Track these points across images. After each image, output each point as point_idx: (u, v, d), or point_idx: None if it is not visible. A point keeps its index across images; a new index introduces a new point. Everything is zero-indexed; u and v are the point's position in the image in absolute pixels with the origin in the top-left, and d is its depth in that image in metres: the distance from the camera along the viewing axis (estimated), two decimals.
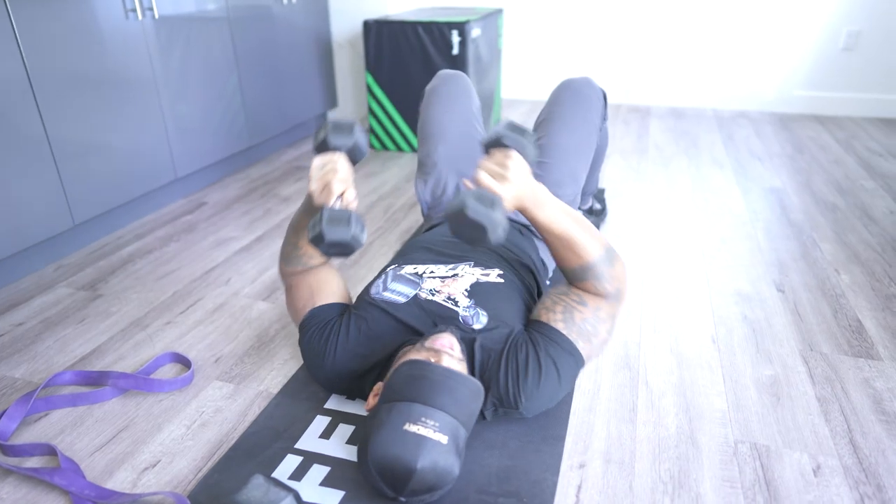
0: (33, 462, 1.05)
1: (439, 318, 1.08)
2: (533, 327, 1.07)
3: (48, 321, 1.46)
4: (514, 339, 1.05)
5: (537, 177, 1.44)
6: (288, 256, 1.23)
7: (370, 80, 2.63)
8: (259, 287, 1.61)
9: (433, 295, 1.11)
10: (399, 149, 2.75)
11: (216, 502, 0.96)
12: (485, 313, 1.08)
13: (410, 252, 1.27)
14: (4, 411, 1.13)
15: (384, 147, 2.77)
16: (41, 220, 1.62)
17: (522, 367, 1.01)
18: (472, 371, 1.03)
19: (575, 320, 1.05)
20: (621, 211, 2.06)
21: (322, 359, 1.11)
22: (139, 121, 1.90)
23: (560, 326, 1.05)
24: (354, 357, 1.09)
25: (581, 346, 1.05)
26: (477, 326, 1.06)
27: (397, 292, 1.13)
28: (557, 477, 1.00)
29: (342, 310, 1.17)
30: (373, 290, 1.15)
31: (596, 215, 1.92)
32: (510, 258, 1.26)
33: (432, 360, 0.93)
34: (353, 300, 1.33)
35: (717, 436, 1.08)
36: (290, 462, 1.03)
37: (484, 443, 1.06)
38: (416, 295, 1.11)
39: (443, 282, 1.14)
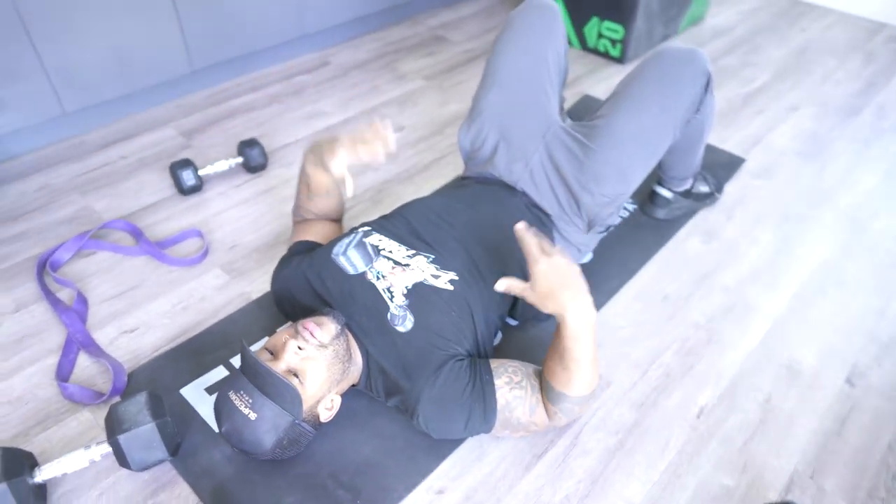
0: (64, 294, 1.34)
1: (370, 306, 1.07)
2: (482, 375, 1.02)
3: (143, 161, 1.72)
4: (449, 369, 1.02)
5: (577, 161, 1.24)
6: (294, 208, 1.34)
7: None
8: None
9: (377, 279, 1.09)
10: None
11: (149, 386, 1.16)
12: (412, 320, 1.05)
13: (395, 216, 1.22)
14: (64, 243, 1.43)
15: None
16: (161, 63, 1.82)
17: (445, 402, 1.00)
18: (369, 363, 1.05)
19: (513, 411, 1.02)
20: (746, 198, 1.68)
21: (277, 272, 1.21)
22: None
23: (500, 403, 1.01)
24: (297, 281, 1.16)
25: (498, 426, 1.03)
26: (400, 329, 1.04)
27: (351, 262, 1.12)
28: (408, 494, 1.02)
29: (314, 246, 1.23)
30: (335, 248, 1.16)
31: (696, 199, 1.60)
32: (485, 263, 1.15)
33: (288, 338, 0.98)
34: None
35: None
36: (218, 373, 1.19)
37: (374, 430, 1.11)
38: (363, 273, 1.10)
39: (393, 268, 1.10)
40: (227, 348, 1.24)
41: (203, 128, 1.86)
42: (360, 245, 1.13)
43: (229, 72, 2.07)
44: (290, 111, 1.95)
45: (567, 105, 2.00)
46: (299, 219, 1.34)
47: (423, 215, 1.21)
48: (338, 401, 1.04)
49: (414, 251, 1.13)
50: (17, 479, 0.92)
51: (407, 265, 1.11)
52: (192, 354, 1.22)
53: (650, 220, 1.59)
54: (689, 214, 1.61)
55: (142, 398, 1.01)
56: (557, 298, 0.93)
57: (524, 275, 1.19)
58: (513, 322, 1.30)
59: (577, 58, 2.32)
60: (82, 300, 1.31)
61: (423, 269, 1.10)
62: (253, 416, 0.92)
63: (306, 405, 0.97)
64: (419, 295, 1.07)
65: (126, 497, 1.01)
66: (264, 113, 1.94)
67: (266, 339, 1.24)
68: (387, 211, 1.58)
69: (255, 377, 0.93)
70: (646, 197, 1.60)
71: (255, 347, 1.23)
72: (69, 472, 1.00)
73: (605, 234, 1.34)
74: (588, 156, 1.23)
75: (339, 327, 1.03)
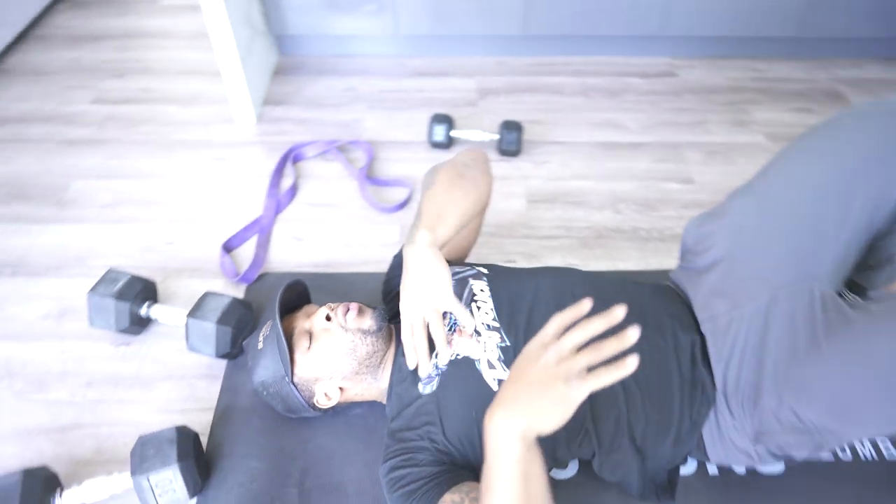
0: (286, 180, 1.53)
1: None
2: (441, 485, 0.83)
3: (429, 101, 1.79)
4: (421, 458, 0.87)
5: (791, 349, 0.82)
6: None
7: None
8: (548, 189, 1.52)
9: (449, 330, 0.94)
10: None
11: (264, 292, 1.27)
12: (433, 389, 0.90)
13: (525, 276, 1.01)
14: (316, 141, 1.61)
15: None
16: (496, 17, 1.82)
17: (394, 485, 0.86)
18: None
19: None
20: None
21: (393, 264, 1.18)
22: None
23: None
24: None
25: None
26: (419, 388, 0.91)
27: None
28: None
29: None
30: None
31: None
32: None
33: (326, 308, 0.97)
34: None
35: None
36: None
37: (373, 457, 1.00)
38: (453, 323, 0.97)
39: (462, 331, 0.94)
40: (341, 299, 1.25)
41: (499, 92, 1.83)
42: (462, 283, 0.99)
43: (563, 47, 1.95)
44: (589, 110, 1.77)
45: None
46: None
47: (549, 293, 0.97)
48: (336, 395, 0.98)
49: (497, 325, 0.93)
50: None
51: (478, 334, 0.93)
52: (314, 288, 1.28)
53: None
54: None
55: (171, 433, 0.96)
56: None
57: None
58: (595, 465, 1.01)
59: None
60: (291, 193, 1.48)
61: (485, 349, 0.91)
62: (260, 346, 0.97)
63: (301, 372, 0.95)
64: (460, 371, 0.90)
65: None
66: (565, 101, 1.80)
67: None
68: (590, 256, 1.35)
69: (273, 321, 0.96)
70: None
71: None
72: None
73: (781, 459, 0.89)
74: (809, 354, 0.80)
75: (376, 328, 0.96)
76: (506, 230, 1.41)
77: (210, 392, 1.12)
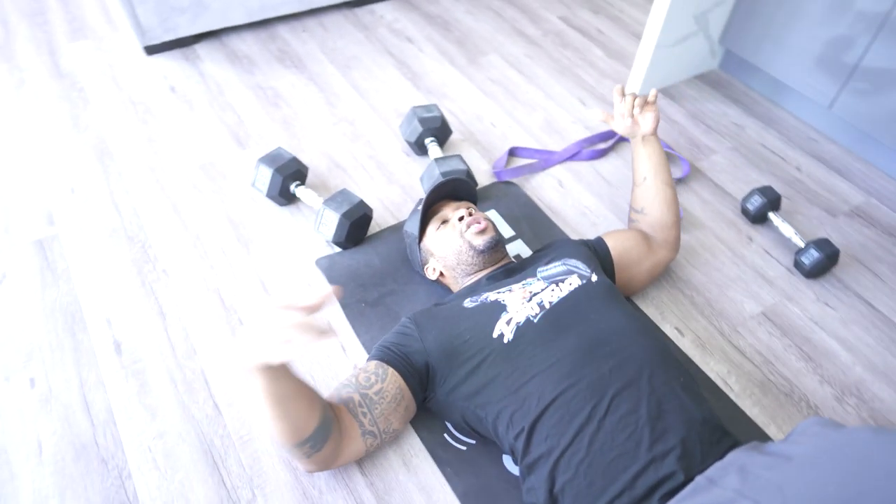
0: (600, 146, 1.67)
1: (504, 283, 1.10)
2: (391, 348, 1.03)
3: (796, 181, 1.62)
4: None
5: None
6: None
7: None
8: (797, 323, 1.31)
9: (523, 286, 1.06)
10: None
11: (497, 192, 1.51)
12: (470, 305, 1.06)
13: (624, 309, 1.02)
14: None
15: None
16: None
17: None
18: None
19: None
20: None
21: None
22: None
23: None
24: None
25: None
26: (464, 303, 1.07)
27: (554, 267, 1.11)
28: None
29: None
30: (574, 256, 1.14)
31: None
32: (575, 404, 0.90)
33: (467, 211, 1.18)
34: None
35: None
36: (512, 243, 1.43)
37: None
38: (537, 270, 1.10)
39: (525, 289, 1.05)
40: (535, 241, 1.42)
41: (878, 225, 1.52)
42: (567, 273, 1.08)
43: None
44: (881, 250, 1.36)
45: None
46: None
47: (612, 331, 0.97)
48: (437, 275, 1.23)
49: (547, 308, 1.00)
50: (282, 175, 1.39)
51: (529, 300, 1.02)
52: (529, 217, 1.47)
53: None
54: None
55: (355, 198, 1.33)
56: None
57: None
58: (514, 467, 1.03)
59: None
60: (593, 154, 1.64)
61: (518, 311, 1.00)
62: (420, 208, 1.23)
63: (426, 242, 1.22)
64: (490, 309, 1.03)
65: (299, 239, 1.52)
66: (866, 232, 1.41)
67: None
68: (753, 396, 1.19)
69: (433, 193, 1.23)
70: None
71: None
72: (304, 202, 1.47)
73: None
74: None
75: (482, 249, 1.14)
76: (707, 309, 1.31)
77: (406, 212, 1.47)
